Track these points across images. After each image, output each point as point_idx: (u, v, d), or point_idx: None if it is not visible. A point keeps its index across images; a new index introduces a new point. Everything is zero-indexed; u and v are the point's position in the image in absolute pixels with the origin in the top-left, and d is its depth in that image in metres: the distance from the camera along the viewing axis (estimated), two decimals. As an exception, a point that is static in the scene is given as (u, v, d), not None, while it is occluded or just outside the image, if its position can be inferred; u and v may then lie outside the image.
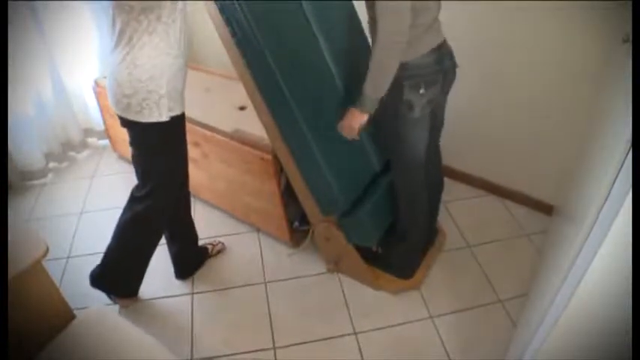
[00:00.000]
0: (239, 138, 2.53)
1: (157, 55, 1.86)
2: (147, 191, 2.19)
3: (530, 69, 2.59)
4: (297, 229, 2.70)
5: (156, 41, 1.85)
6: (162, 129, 1.99)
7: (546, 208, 2.85)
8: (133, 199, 2.27)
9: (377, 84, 1.87)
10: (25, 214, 3.21)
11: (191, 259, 2.68)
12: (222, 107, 2.84)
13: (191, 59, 3.56)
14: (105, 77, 2.86)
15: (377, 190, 2.42)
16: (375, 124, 2.13)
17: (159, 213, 2.27)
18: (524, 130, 2.77)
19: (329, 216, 2.40)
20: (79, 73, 3.46)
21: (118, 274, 2.43)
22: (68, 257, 2.84)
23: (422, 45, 1.91)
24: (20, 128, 3.27)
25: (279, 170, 2.45)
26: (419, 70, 1.92)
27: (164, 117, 1.96)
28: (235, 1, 1.96)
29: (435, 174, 2.42)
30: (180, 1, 1.85)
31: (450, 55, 2.03)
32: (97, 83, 3.34)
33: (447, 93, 2.17)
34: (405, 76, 1.91)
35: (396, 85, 1.90)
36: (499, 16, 2.56)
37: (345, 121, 2.01)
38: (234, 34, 2.06)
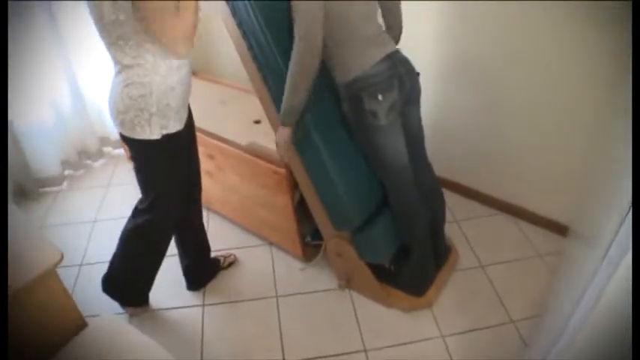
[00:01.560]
0: (254, 151, 2.54)
1: (145, 75, 1.86)
2: (147, 204, 2.20)
3: (544, 87, 2.58)
4: (310, 243, 2.70)
5: (142, 63, 1.84)
6: (156, 146, 1.98)
7: (560, 229, 2.82)
8: (136, 211, 2.29)
9: (290, 90, 1.97)
10: (39, 220, 3.24)
11: (203, 271, 2.69)
12: (238, 120, 2.86)
13: (207, 71, 3.62)
14: None
15: (390, 208, 2.42)
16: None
17: (159, 226, 2.28)
18: (538, 148, 2.75)
19: (341, 232, 2.40)
20: (96, 83, 3.50)
21: (124, 282, 2.44)
22: (81, 265, 2.85)
23: (368, 57, 2.03)
24: (38, 135, 3.33)
25: (293, 185, 2.45)
26: (372, 79, 2.02)
27: (155, 135, 1.95)
28: (253, 16, 1.99)
29: (428, 186, 2.42)
30: None
31: (403, 62, 2.13)
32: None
33: (415, 103, 2.24)
34: (360, 87, 2.03)
35: (356, 98, 2.05)
36: (509, 33, 2.58)
37: (278, 138, 2.14)
38: (250, 47, 2.08)
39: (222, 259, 2.76)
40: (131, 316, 2.54)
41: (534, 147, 2.77)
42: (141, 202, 2.25)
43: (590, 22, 2.27)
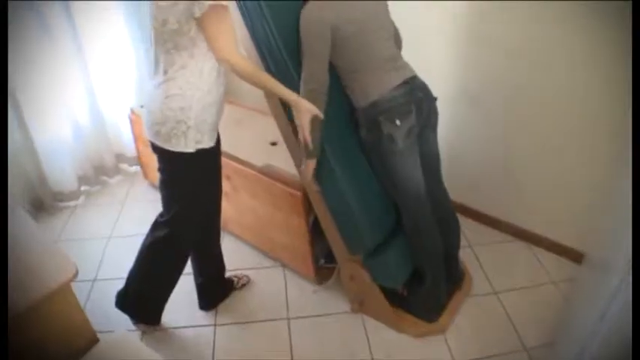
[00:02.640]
0: (269, 173, 2.56)
1: (188, 88, 1.91)
2: (169, 218, 2.22)
3: (560, 113, 2.59)
4: (323, 266, 2.70)
5: (187, 75, 1.90)
6: (188, 159, 2.02)
7: (574, 256, 2.81)
8: (156, 225, 2.31)
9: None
10: (55, 234, 3.28)
11: (216, 291, 2.69)
12: (254, 141, 2.88)
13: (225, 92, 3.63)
14: (141, 106, 3.07)
15: (404, 232, 2.42)
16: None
17: (179, 241, 2.30)
18: (553, 175, 2.75)
19: (355, 255, 2.40)
20: (115, 101, 3.56)
21: (140, 299, 2.45)
22: (94, 280, 2.87)
23: (386, 81, 2.08)
24: (57, 150, 3.38)
25: (308, 207, 2.46)
26: (390, 104, 2.06)
27: (190, 148, 1.99)
28: (272, 38, 2.02)
29: (443, 211, 2.42)
30: None
31: (421, 87, 2.17)
32: (132, 111, 3.43)
33: (432, 128, 2.27)
34: (378, 112, 2.07)
35: (374, 123, 2.09)
36: (525, 60, 2.59)
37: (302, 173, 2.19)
38: (268, 69, 2.11)
39: (235, 279, 2.76)
40: (143, 333, 2.54)
41: (549, 173, 2.76)
42: (161, 215, 2.28)
43: (609, 47, 2.27)
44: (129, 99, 3.62)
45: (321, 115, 1.95)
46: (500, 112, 2.80)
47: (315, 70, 1.99)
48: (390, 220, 2.41)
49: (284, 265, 2.89)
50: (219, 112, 2.08)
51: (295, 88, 1.99)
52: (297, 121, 1.97)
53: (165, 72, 1.93)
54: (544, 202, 2.86)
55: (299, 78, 2.03)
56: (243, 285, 2.78)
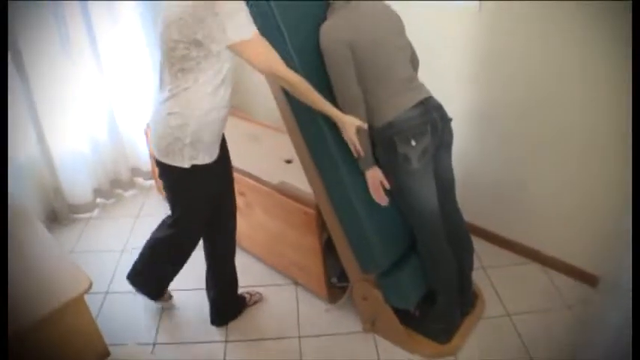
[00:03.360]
0: (284, 191, 2.57)
1: (187, 107, 1.98)
2: (173, 221, 2.38)
3: (574, 134, 2.59)
4: (335, 285, 2.69)
5: (189, 96, 1.97)
6: (184, 174, 2.10)
7: (589, 278, 2.77)
8: (164, 224, 2.49)
9: None
10: (70, 245, 3.30)
11: (228, 307, 2.70)
12: (269, 159, 2.90)
13: (239, 108, 3.67)
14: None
15: (419, 252, 2.41)
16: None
17: (181, 242, 2.44)
18: (567, 197, 2.73)
19: (368, 274, 2.39)
20: (132, 116, 3.61)
21: (143, 278, 2.65)
22: (107, 293, 2.89)
23: (402, 102, 2.09)
24: (73, 163, 3.42)
25: (322, 225, 2.46)
26: (406, 124, 2.08)
27: (185, 164, 2.07)
28: (289, 58, 2.04)
29: (457, 232, 2.41)
30: (221, 66, 1.95)
31: (437, 108, 2.17)
32: (148, 126, 3.44)
33: (446, 149, 2.27)
34: (394, 132, 2.08)
35: (389, 142, 2.10)
36: (539, 82, 2.61)
37: (369, 186, 2.17)
38: (290, 99, 2.14)
39: (248, 296, 2.76)
40: (163, 308, 2.78)
41: (563, 195, 2.75)
42: (169, 217, 2.42)
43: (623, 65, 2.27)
44: (145, 114, 3.66)
45: (365, 126, 2.02)
46: (515, 132, 2.80)
47: (343, 86, 2.05)
48: (404, 239, 2.41)
49: (296, 283, 2.89)
50: (219, 132, 2.13)
51: (316, 123, 2.11)
52: (345, 137, 2.06)
53: (170, 90, 2.00)
54: (558, 224, 2.83)
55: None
56: (256, 302, 2.78)
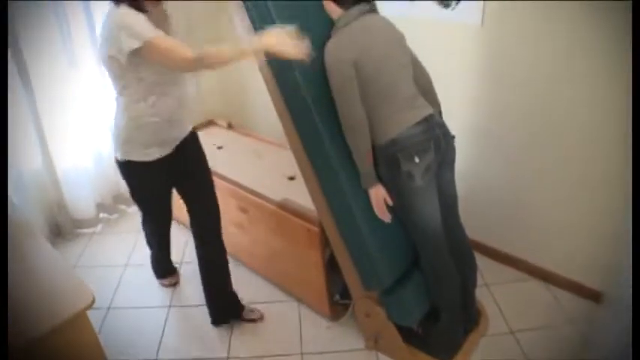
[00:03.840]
0: (287, 208, 2.58)
1: (119, 112, 2.24)
2: None
3: (577, 150, 2.60)
4: (338, 302, 2.69)
5: (120, 103, 2.22)
6: (122, 165, 2.37)
7: (593, 295, 2.76)
8: None
9: (356, 160, 2.12)
10: (73, 260, 3.31)
11: (224, 305, 2.76)
12: (272, 175, 2.91)
13: (243, 124, 3.69)
14: None
15: (422, 269, 2.41)
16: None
17: (144, 228, 2.95)
18: (570, 213, 2.73)
19: (371, 291, 2.39)
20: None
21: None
22: (109, 308, 2.89)
23: (405, 119, 2.11)
24: (77, 178, 3.44)
25: (325, 243, 2.46)
26: (409, 141, 2.08)
27: (119, 157, 2.34)
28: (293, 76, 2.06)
29: (460, 249, 2.41)
30: (141, 76, 2.13)
31: (439, 125, 2.19)
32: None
33: (449, 166, 2.28)
34: (397, 149, 2.09)
35: (392, 160, 2.10)
36: (542, 98, 2.62)
37: (372, 203, 2.18)
38: (288, 105, 2.16)
39: (247, 309, 2.79)
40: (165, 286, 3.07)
41: (565, 211, 2.75)
42: None
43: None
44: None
45: (288, 53, 1.85)
46: (517, 149, 2.80)
47: (347, 107, 2.05)
48: (407, 256, 2.41)
49: (299, 300, 2.88)
50: (153, 136, 2.27)
51: (319, 139, 2.14)
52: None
53: (115, 96, 2.26)
54: (560, 240, 2.83)
55: (323, 126, 2.12)
56: (254, 320, 2.78)
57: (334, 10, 2.12)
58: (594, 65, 2.38)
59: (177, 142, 2.38)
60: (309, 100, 2.09)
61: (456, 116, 2.74)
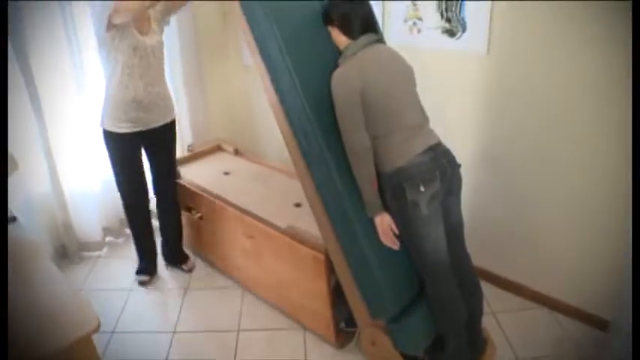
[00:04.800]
0: (293, 235, 2.58)
1: (105, 88, 2.85)
2: None
3: (580, 178, 2.61)
4: (343, 330, 2.67)
5: (105, 81, 2.83)
6: (102, 133, 2.93)
7: (600, 323, 2.75)
8: None
9: (361, 188, 2.13)
10: (78, 283, 3.31)
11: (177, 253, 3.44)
12: (279, 202, 2.92)
13: (250, 151, 3.71)
14: None
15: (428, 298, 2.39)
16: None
17: (126, 211, 3.25)
18: (576, 241, 2.73)
19: (377, 320, 2.37)
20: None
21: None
22: (113, 332, 2.88)
23: (411, 148, 2.11)
24: (84, 201, 3.47)
25: (331, 270, 2.46)
26: (415, 170, 2.09)
27: (100, 124, 2.91)
28: (301, 106, 2.10)
29: (466, 278, 2.39)
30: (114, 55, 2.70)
31: (446, 153, 2.19)
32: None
33: (455, 194, 2.27)
34: (403, 178, 2.09)
35: (398, 188, 2.11)
36: (545, 126, 2.64)
37: (378, 232, 2.18)
38: (295, 134, 2.20)
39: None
40: (140, 284, 3.30)
41: (572, 239, 2.75)
42: None
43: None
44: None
45: None
46: (523, 176, 2.82)
47: (352, 134, 2.07)
48: (413, 284, 2.40)
49: (304, 327, 2.86)
50: (122, 114, 2.81)
51: (326, 166, 2.16)
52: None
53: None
54: (567, 267, 2.82)
55: (329, 153, 2.14)
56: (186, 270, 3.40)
57: (342, 40, 2.16)
58: (601, 93, 2.40)
59: (151, 126, 2.91)
60: (316, 127, 2.11)
61: (462, 144, 2.76)
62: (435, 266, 2.23)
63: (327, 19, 2.18)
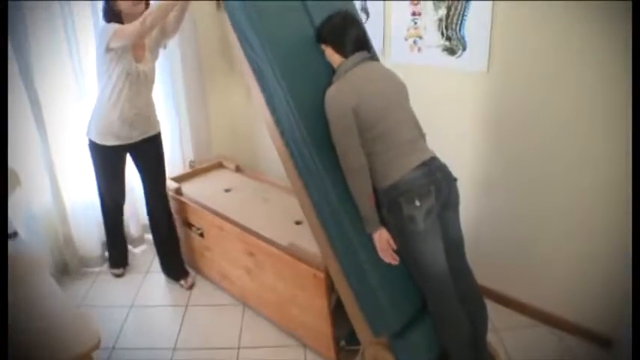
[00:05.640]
0: (293, 252, 2.58)
1: (97, 98, 2.98)
2: None
3: (582, 195, 2.61)
4: (344, 348, 2.65)
5: (97, 95, 2.96)
6: (88, 144, 3.09)
7: (601, 340, 2.74)
8: None
9: (359, 205, 2.13)
10: (79, 299, 3.30)
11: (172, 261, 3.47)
12: (280, 219, 2.91)
13: (252, 168, 3.72)
14: (170, 178, 3.44)
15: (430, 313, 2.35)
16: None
17: (105, 217, 3.42)
18: (578, 258, 2.72)
19: (380, 336, 2.33)
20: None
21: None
22: (113, 348, 2.87)
23: (406, 163, 2.12)
24: (85, 216, 3.47)
25: (331, 288, 2.45)
26: (410, 185, 2.10)
27: (86, 135, 3.06)
28: (295, 126, 2.13)
29: (469, 293, 2.36)
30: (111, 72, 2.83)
31: (441, 168, 2.20)
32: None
33: (453, 209, 2.26)
34: (398, 193, 2.10)
35: (394, 204, 2.12)
36: (543, 146, 2.65)
37: (377, 247, 2.18)
38: (292, 154, 2.22)
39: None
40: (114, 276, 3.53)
41: (575, 257, 2.74)
42: None
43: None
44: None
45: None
46: (524, 194, 2.82)
47: (347, 151, 2.09)
48: (416, 299, 2.36)
49: (304, 345, 2.84)
50: (108, 125, 2.97)
51: (322, 184, 2.18)
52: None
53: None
54: (570, 285, 2.81)
55: (324, 171, 2.16)
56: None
57: (335, 59, 2.20)
58: (603, 111, 2.41)
59: (133, 140, 3.06)
60: (311, 147, 2.14)
61: (462, 162, 2.77)
62: (434, 281, 2.21)
63: (321, 37, 2.22)
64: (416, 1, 2.83)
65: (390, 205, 2.13)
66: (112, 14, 2.77)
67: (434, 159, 2.19)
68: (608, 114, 2.39)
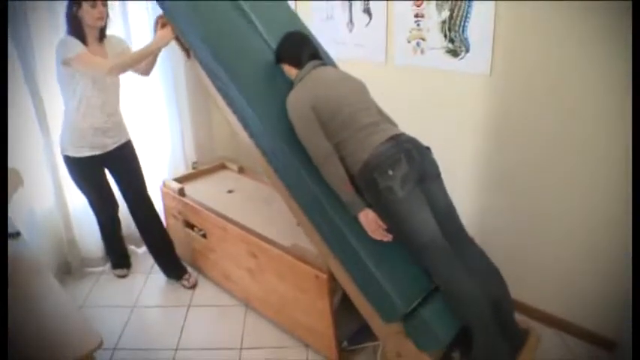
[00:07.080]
0: (295, 254, 2.59)
1: (64, 116, 2.96)
2: None
3: (587, 198, 2.61)
4: (346, 348, 2.65)
5: (64, 109, 2.94)
6: (64, 159, 3.05)
7: (605, 343, 2.74)
8: None
9: (338, 192, 2.22)
10: (81, 299, 3.31)
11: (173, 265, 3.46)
12: (282, 221, 2.91)
13: (253, 170, 3.73)
14: (173, 179, 3.45)
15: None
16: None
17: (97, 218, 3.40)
18: (582, 261, 2.72)
19: (391, 323, 2.25)
20: (148, 172, 3.62)
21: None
22: (115, 348, 2.87)
23: (372, 141, 2.22)
24: (88, 217, 3.45)
25: (333, 289, 2.46)
26: (380, 158, 2.17)
27: (61, 152, 3.03)
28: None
29: (478, 263, 2.30)
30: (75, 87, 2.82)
31: (409, 140, 2.28)
32: (164, 184, 3.54)
33: (434, 179, 2.30)
34: (371, 169, 2.17)
35: (371, 182, 2.18)
36: (544, 149, 2.66)
37: (366, 229, 2.22)
38: (270, 162, 2.39)
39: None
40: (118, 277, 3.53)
41: (579, 260, 2.74)
42: None
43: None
44: (162, 171, 3.74)
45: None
46: (527, 196, 2.82)
47: (313, 145, 2.23)
48: (422, 281, 2.27)
49: (307, 345, 2.84)
50: (80, 139, 2.95)
51: (304, 184, 2.29)
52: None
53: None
54: (575, 288, 2.81)
55: (305, 172, 2.28)
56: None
57: (293, 72, 2.44)
58: (605, 115, 2.41)
59: (108, 148, 3.05)
60: (288, 152, 2.29)
61: (464, 163, 2.77)
62: (430, 250, 2.17)
63: (279, 57, 2.48)
64: (419, 2, 2.84)
65: (367, 184, 2.19)
66: (75, 23, 2.73)
67: (402, 134, 2.28)
68: (609, 114, 2.39)
